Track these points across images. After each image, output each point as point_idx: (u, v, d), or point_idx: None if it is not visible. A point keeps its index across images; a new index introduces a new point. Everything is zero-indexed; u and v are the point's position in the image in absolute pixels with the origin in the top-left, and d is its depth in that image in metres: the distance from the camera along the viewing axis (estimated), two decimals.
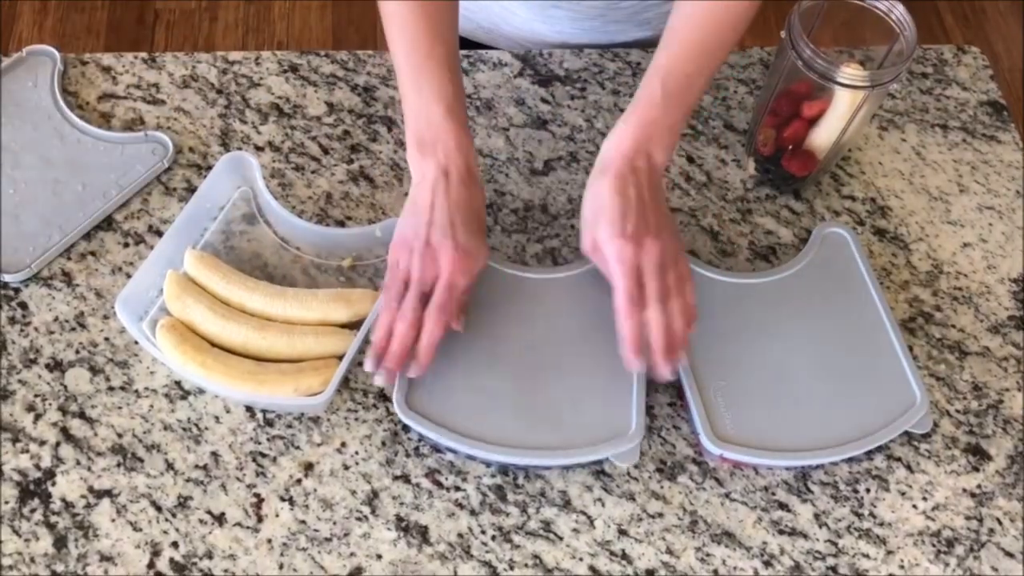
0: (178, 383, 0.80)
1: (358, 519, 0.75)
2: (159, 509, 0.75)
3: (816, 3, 0.84)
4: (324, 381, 0.77)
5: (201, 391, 0.80)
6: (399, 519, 0.75)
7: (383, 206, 0.90)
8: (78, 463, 0.76)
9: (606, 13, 1.00)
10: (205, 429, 0.78)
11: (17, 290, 0.83)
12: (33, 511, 0.74)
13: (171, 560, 0.73)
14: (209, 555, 0.73)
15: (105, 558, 0.73)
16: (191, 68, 0.97)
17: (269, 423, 0.79)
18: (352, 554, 0.74)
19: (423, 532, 0.75)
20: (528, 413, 0.77)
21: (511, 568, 0.74)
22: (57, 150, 0.90)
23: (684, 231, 0.90)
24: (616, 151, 0.77)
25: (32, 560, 0.72)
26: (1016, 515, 0.78)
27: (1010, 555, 0.76)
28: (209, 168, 0.90)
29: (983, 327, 0.87)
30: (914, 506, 0.78)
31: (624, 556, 0.75)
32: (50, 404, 0.78)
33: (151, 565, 0.72)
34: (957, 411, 0.83)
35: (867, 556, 0.76)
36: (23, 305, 0.83)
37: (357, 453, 0.78)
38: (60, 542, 0.73)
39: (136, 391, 0.79)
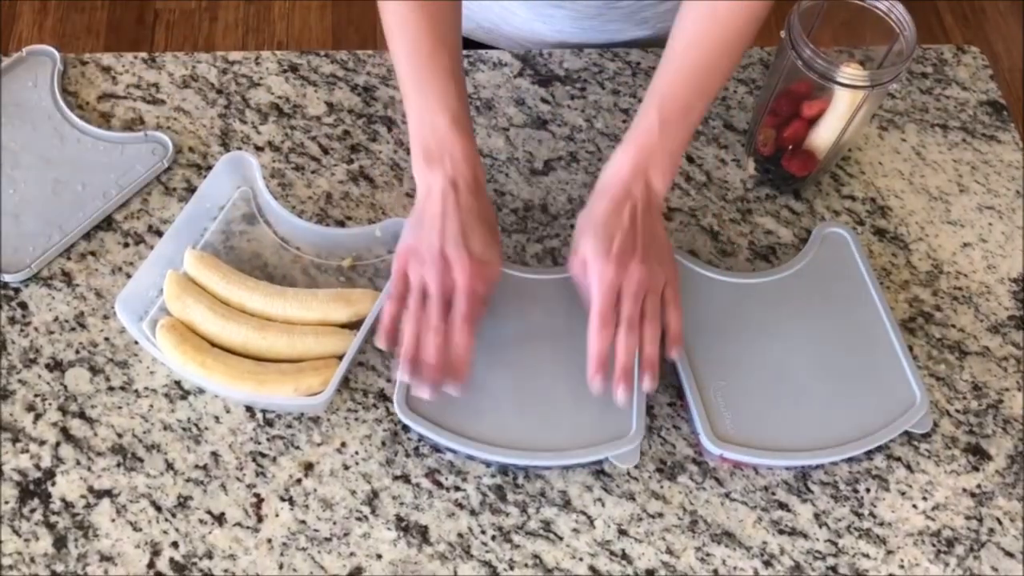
0: (178, 383, 0.80)
1: (358, 519, 0.75)
2: (159, 509, 0.75)
3: (816, 3, 0.84)
4: (324, 381, 0.77)
5: (201, 391, 0.80)
6: (399, 519, 0.75)
7: (383, 206, 0.90)
8: (78, 463, 0.76)
9: (604, 12, 1.00)
10: (205, 429, 0.78)
11: (17, 290, 0.83)
12: (33, 511, 0.74)
13: (171, 560, 0.73)
14: (209, 555, 0.73)
15: (105, 558, 0.73)
16: (191, 68, 0.97)
17: (269, 423, 0.79)
18: (352, 554, 0.74)
19: (423, 532, 0.75)
20: (528, 413, 0.77)
21: (511, 568, 0.74)
22: (57, 150, 0.90)
23: (684, 231, 0.90)
24: (614, 177, 0.77)
25: (32, 560, 0.72)
26: (1016, 515, 0.78)
27: (1010, 555, 0.76)
28: (209, 168, 0.90)
29: (983, 327, 0.87)
30: (914, 506, 0.78)
31: (624, 556, 0.75)
32: (50, 404, 0.78)
33: (151, 565, 0.72)
34: (957, 411, 0.83)
35: (867, 556, 0.76)
36: (23, 305, 0.83)
37: (357, 453, 0.78)
38: (60, 542, 0.73)
39: (136, 391, 0.79)
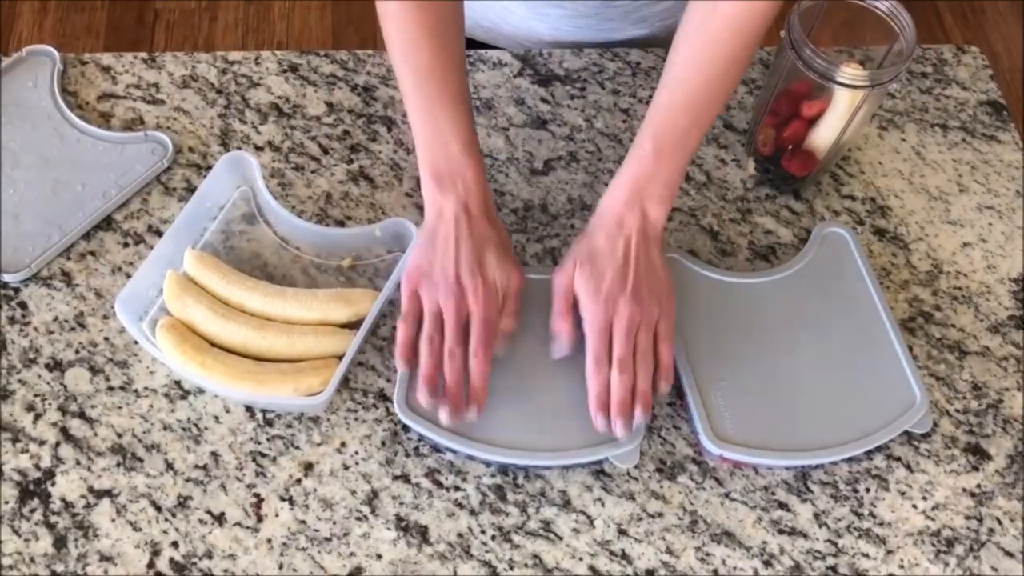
0: (178, 383, 0.80)
1: (358, 519, 0.75)
2: (159, 509, 0.75)
3: (816, 3, 0.84)
4: (324, 381, 0.77)
5: (201, 391, 0.80)
6: (399, 519, 0.75)
7: (383, 206, 0.90)
8: (78, 463, 0.76)
9: (601, 11, 1.00)
10: (205, 429, 0.78)
11: (17, 290, 0.83)
12: (33, 511, 0.74)
13: (171, 560, 0.73)
14: (209, 555, 0.73)
15: (105, 558, 0.73)
16: (191, 68, 0.97)
17: (269, 423, 0.79)
18: (352, 554, 0.74)
19: (423, 532, 0.75)
20: (528, 413, 0.77)
21: (511, 568, 0.74)
22: (57, 150, 0.90)
23: (684, 231, 0.90)
24: (609, 210, 0.79)
25: (32, 560, 0.72)
26: (1016, 515, 0.78)
27: (1010, 555, 0.76)
28: (209, 168, 0.90)
29: (983, 327, 0.87)
30: (914, 506, 0.78)
31: (624, 556, 0.75)
32: (50, 404, 0.78)
33: (151, 565, 0.72)
34: (957, 411, 0.83)
35: (867, 556, 0.76)
36: (23, 305, 0.83)
37: (357, 453, 0.78)
38: (60, 542, 0.73)
39: (136, 391, 0.79)
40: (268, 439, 0.78)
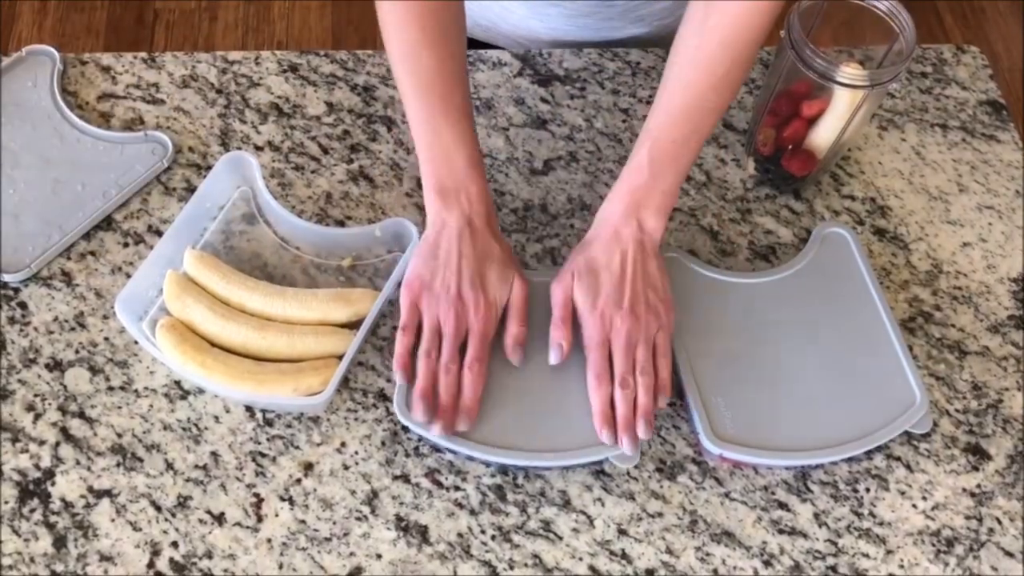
0: (178, 383, 0.80)
1: (358, 519, 0.75)
2: (159, 509, 0.75)
3: (816, 3, 0.84)
4: (324, 381, 0.77)
5: (201, 391, 0.80)
6: (399, 519, 0.75)
7: (383, 206, 0.90)
8: (78, 463, 0.76)
9: (600, 10, 1.00)
10: (205, 429, 0.78)
11: (17, 290, 0.83)
12: (33, 511, 0.74)
13: (171, 560, 0.73)
14: (209, 555, 0.73)
15: (105, 558, 0.73)
16: (191, 68, 0.97)
17: (269, 423, 0.79)
18: (352, 554, 0.74)
19: (423, 532, 0.75)
20: (528, 414, 0.77)
21: (511, 568, 0.74)
22: (57, 150, 0.90)
23: (684, 231, 0.90)
24: (606, 222, 0.79)
25: (32, 560, 0.72)
26: (1016, 515, 0.78)
27: (1010, 555, 0.76)
28: (209, 168, 0.90)
29: (983, 327, 0.87)
30: (914, 506, 0.78)
31: (624, 556, 0.75)
32: (50, 404, 0.78)
33: (151, 565, 0.72)
34: (957, 411, 0.83)
35: (867, 556, 0.76)
36: (23, 305, 0.83)
37: (357, 453, 0.78)
38: (60, 542, 0.73)
39: (136, 391, 0.79)
40: (268, 439, 0.78)
